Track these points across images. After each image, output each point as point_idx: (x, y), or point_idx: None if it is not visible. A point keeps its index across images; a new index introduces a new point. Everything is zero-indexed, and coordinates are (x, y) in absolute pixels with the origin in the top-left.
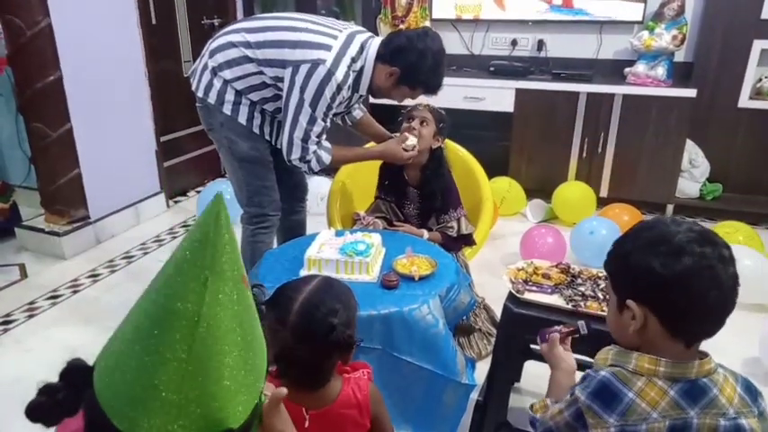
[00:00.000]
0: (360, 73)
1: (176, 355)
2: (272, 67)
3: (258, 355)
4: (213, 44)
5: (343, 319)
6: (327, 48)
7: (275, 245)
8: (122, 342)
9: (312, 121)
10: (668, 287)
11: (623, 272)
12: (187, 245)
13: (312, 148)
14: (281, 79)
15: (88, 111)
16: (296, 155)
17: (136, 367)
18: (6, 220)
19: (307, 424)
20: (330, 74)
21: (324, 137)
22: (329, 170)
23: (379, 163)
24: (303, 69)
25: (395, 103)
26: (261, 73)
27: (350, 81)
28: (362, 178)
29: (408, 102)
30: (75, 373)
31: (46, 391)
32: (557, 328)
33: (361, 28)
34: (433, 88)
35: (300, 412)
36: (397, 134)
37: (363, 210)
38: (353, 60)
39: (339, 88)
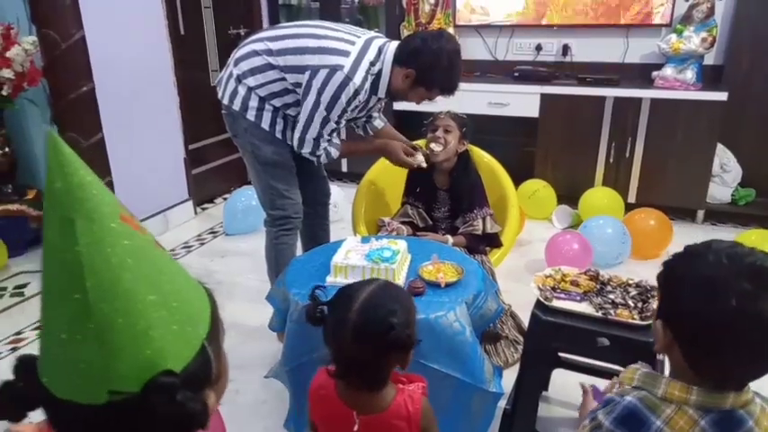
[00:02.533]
0: (378, 76)
1: (73, 303)
2: (293, 73)
3: (179, 295)
4: (238, 53)
5: (403, 320)
6: (346, 54)
7: (298, 247)
8: (41, 315)
9: (325, 123)
10: (699, 332)
11: (665, 293)
12: (45, 198)
13: (323, 145)
14: (299, 85)
15: (119, 120)
16: (307, 149)
17: (49, 329)
18: (41, 227)
19: (356, 428)
20: (348, 79)
21: (335, 135)
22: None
23: (404, 170)
24: (321, 74)
25: (418, 109)
26: (283, 79)
27: (368, 85)
28: (387, 185)
29: (430, 108)
30: (24, 364)
31: (3, 388)
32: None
33: (379, 34)
34: (448, 89)
35: (351, 416)
36: (417, 143)
37: (389, 216)
38: (372, 64)
39: (356, 93)
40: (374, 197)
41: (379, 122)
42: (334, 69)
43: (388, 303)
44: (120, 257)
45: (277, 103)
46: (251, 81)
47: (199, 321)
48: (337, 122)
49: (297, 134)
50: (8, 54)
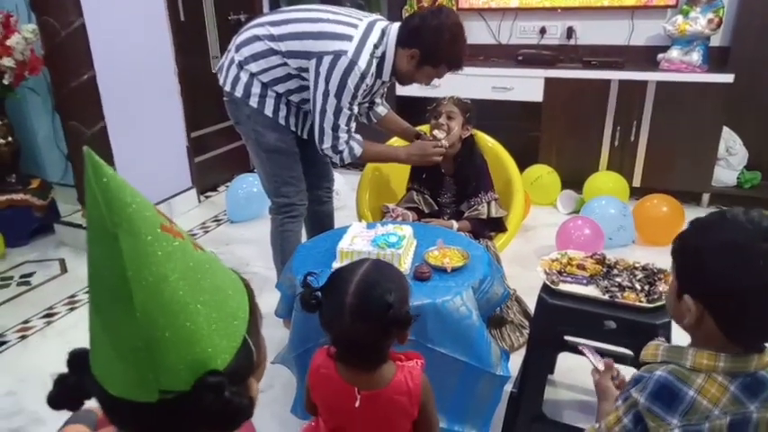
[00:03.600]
0: (382, 59)
1: (120, 311)
2: (296, 59)
3: (220, 294)
4: (239, 38)
5: (399, 297)
6: (349, 38)
7: (304, 234)
8: (90, 318)
9: (338, 110)
10: (733, 298)
11: (688, 266)
12: (87, 213)
13: (343, 137)
14: (304, 70)
15: (121, 108)
16: (327, 144)
17: (99, 333)
18: (46, 217)
19: (357, 404)
20: (353, 63)
21: (353, 126)
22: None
23: None
24: (326, 61)
25: (421, 95)
26: (285, 65)
27: (373, 68)
28: (391, 171)
29: (434, 93)
30: (77, 358)
31: (58, 380)
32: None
33: (380, 16)
34: (455, 63)
35: (352, 392)
36: (421, 128)
37: (393, 202)
38: (375, 47)
39: (363, 77)
40: (378, 183)
41: (382, 109)
42: (338, 55)
43: (383, 282)
44: (162, 265)
45: (280, 89)
46: (253, 67)
47: (239, 316)
48: (350, 109)
49: (315, 128)
50: (8, 42)
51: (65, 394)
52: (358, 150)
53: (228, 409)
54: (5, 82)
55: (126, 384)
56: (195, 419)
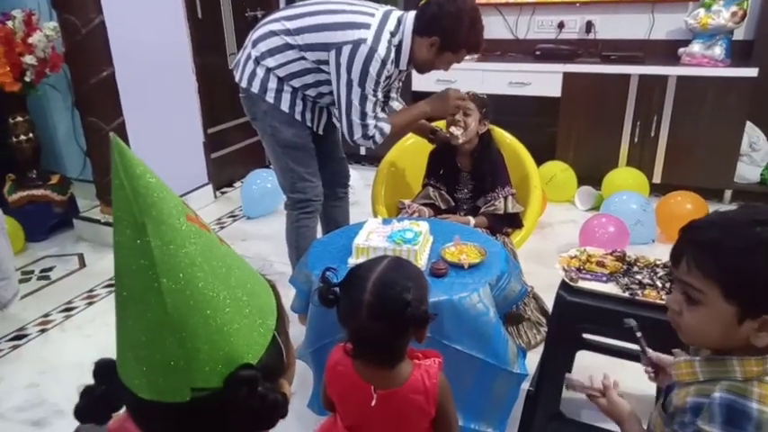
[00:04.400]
0: (399, 47)
1: (150, 306)
2: (314, 51)
3: (247, 289)
4: (255, 34)
5: (417, 295)
6: (366, 26)
7: (319, 229)
8: (117, 319)
9: (363, 99)
10: None
11: (753, 279)
12: (113, 203)
13: (371, 122)
14: (323, 62)
15: (139, 104)
16: (358, 134)
17: (127, 333)
18: (65, 212)
19: (374, 402)
20: (372, 51)
21: (378, 109)
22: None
23: (426, 150)
24: (346, 51)
25: (436, 90)
26: (302, 59)
27: (392, 56)
28: (407, 167)
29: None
30: (104, 368)
31: (85, 392)
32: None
33: (394, 7)
34: (475, 46)
35: (369, 390)
36: (437, 124)
37: (409, 198)
38: (392, 35)
39: (383, 63)
40: (394, 179)
41: (396, 104)
42: (357, 43)
43: (401, 280)
44: (191, 257)
45: (296, 83)
46: (270, 62)
47: (267, 313)
48: (375, 95)
49: (343, 122)
50: (30, 40)
51: (92, 406)
52: (387, 128)
53: (263, 405)
54: (27, 79)
55: (156, 385)
56: (229, 418)
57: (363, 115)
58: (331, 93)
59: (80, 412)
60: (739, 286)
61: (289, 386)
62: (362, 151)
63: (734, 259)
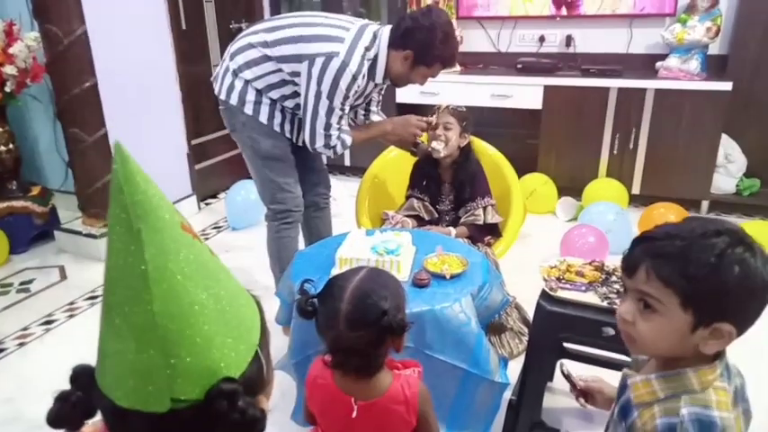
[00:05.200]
0: (374, 61)
1: (138, 312)
2: (289, 63)
3: (233, 303)
4: (233, 47)
5: (393, 304)
6: (340, 40)
7: (301, 240)
8: (101, 326)
9: (330, 111)
10: (757, 299)
11: (713, 289)
12: (111, 207)
13: (334, 134)
14: (298, 74)
15: (122, 116)
16: (320, 143)
17: (111, 340)
18: (46, 224)
19: (354, 414)
20: (344, 65)
21: (344, 122)
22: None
23: (410, 162)
24: (318, 62)
25: (419, 102)
26: (279, 70)
27: (364, 70)
28: (390, 178)
29: (431, 101)
30: (82, 374)
31: (60, 397)
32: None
33: (371, 21)
34: (448, 60)
35: (349, 402)
36: (421, 141)
37: (393, 209)
38: (367, 49)
39: (354, 78)
40: (378, 190)
41: (376, 117)
42: (330, 56)
43: (378, 289)
44: (182, 268)
45: (274, 95)
46: (247, 74)
47: (251, 328)
48: (342, 109)
49: (306, 129)
50: (11, 50)
51: (67, 411)
52: (348, 140)
53: (243, 420)
54: (7, 89)
55: (136, 393)
56: (208, 431)
57: (328, 126)
58: None
59: (53, 417)
60: (699, 295)
61: (267, 402)
62: (347, 162)
63: (697, 269)
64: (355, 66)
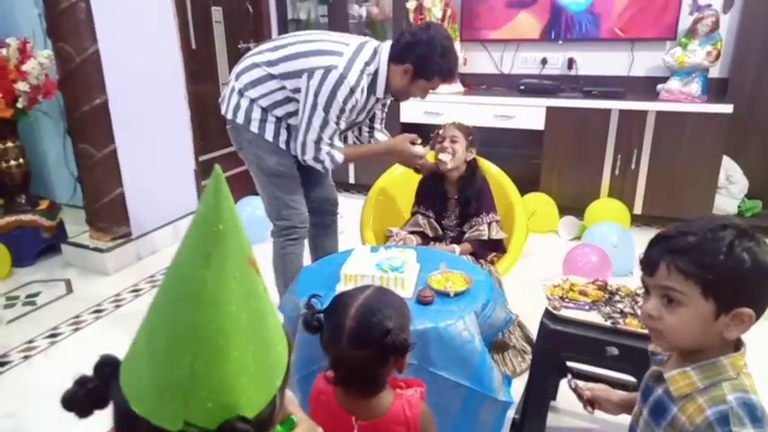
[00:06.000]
0: (375, 75)
1: (182, 318)
2: (291, 79)
3: (270, 344)
4: (238, 67)
5: (397, 324)
6: (339, 54)
7: (307, 257)
8: (140, 332)
9: (324, 123)
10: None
11: (729, 276)
12: (191, 224)
13: (325, 149)
14: (299, 90)
15: (131, 132)
16: (309, 155)
17: (143, 340)
18: (53, 237)
19: None
20: (342, 78)
21: (336, 138)
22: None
23: (414, 180)
24: (317, 75)
25: (424, 122)
26: (283, 88)
27: (363, 84)
28: (395, 194)
29: (437, 120)
30: (106, 364)
31: (79, 381)
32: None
33: (371, 39)
34: (448, 74)
35: (350, 421)
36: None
37: (397, 226)
38: (367, 64)
39: (352, 91)
40: (383, 207)
41: (381, 136)
42: (328, 69)
43: (383, 308)
44: (237, 298)
45: (279, 112)
46: (252, 93)
47: (278, 371)
48: (337, 123)
49: (299, 138)
50: (24, 67)
51: (80, 397)
52: (339, 157)
53: None
54: (19, 105)
55: (154, 405)
56: None
57: (319, 140)
58: None
59: (66, 400)
60: (717, 284)
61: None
62: (351, 179)
63: (712, 259)
64: (354, 79)
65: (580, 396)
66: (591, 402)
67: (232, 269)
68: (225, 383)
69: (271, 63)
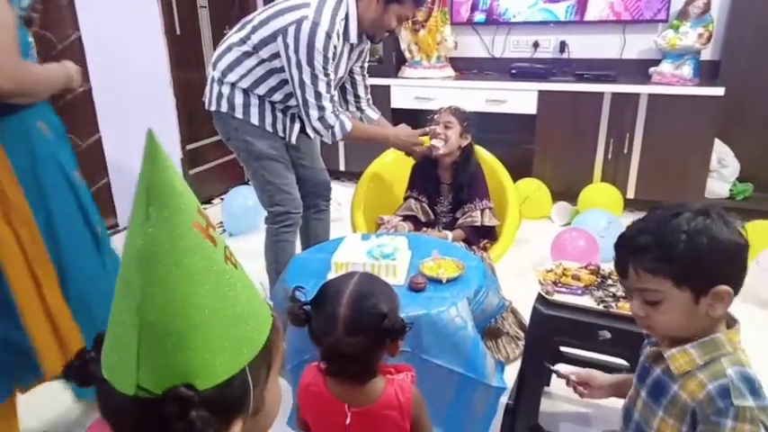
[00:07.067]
0: (346, 21)
1: (132, 284)
2: (267, 46)
3: (233, 316)
4: (214, 56)
5: (391, 307)
6: (306, 5)
7: (298, 244)
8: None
9: (314, 78)
10: (741, 257)
11: (693, 261)
12: (137, 190)
13: (328, 106)
14: (277, 55)
15: (116, 121)
16: (315, 115)
17: (114, 308)
18: None
19: (348, 421)
20: (315, 25)
21: (336, 95)
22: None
23: (406, 167)
24: (291, 31)
25: (416, 107)
26: (262, 62)
27: (338, 28)
28: (386, 182)
29: (431, 105)
30: (101, 340)
31: (79, 352)
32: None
33: None
34: None
35: (342, 409)
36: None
37: (389, 214)
38: (336, 10)
39: (328, 36)
40: (373, 194)
41: (372, 113)
42: (299, 22)
43: (375, 293)
44: (183, 258)
45: (261, 90)
46: (231, 77)
47: (245, 348)
48: (326, 75)
49: (299, 103)
50: None
51: (78, 366)
52: (348, 125)
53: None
54: None
55: (114, 367)
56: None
57: (318, 95)
58: None
59: (67, 369)
60: (685, 272)
61: (241, 429)
62: (342, 167)
63: (672, 251)
64: (327, 23)
65: (568, 381)
66: (580, 384)
67: (174, 227)
68: (174, 347)
69: (243, 40)
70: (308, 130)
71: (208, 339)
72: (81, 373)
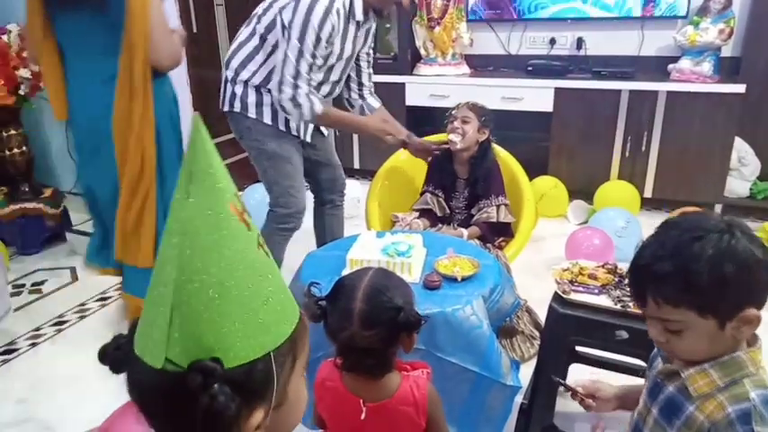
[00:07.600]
0: (350, 2)
1: (170, 256)
2: (271, 32)
3: (261, 301)
4: (227, 56)
5: (407, 300)
6: None
7: (311, 238)
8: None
9: (300, 54)
10: (758, 275)
11: (718, 290)
12: (182, 170)
13: (303, 88)
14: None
15: None
16: (287, 93)
17: (150, 283)
18: (58, 225)
19: (363, 416)
20: (314, 1)
21: (314, 80)
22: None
23: (421, 165)
24: (289, 6)
25: (430, 105)
26: (270, 53)
27: (338, 6)
28: (400, 181)
29: (447, 103)
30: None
31: (114, 338)
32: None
33: None
34: None
35: (358, 404)
36: (438, 137)
37: (404, 211)
38: None
39: (327, 12)
40: (388, 192)
41: (374, 102)
42: None
43: (390, 287)
44: (221, 238)
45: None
46: (244, 74)
47: (270, 335)
48: (313, 56)
49: (275, 79)
50: (25, 54)
51: (110, 350)
52: (318, 107)
53: (210, 405)
54: (22, 92)
55: (145, 341)
56: (181, 406)
57: (297, 74)
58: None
59: (101, 353)
60: (710, 302)
61: (262, 419)
62: (356, 165)
63: (696, 281)
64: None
65: (574, 393)
66: (588, 397)
67: (213, 203)
68: (204, 323)
69: (252, 34)
70: (276, 106)
71: (238, 318)
72: (115, 357)
